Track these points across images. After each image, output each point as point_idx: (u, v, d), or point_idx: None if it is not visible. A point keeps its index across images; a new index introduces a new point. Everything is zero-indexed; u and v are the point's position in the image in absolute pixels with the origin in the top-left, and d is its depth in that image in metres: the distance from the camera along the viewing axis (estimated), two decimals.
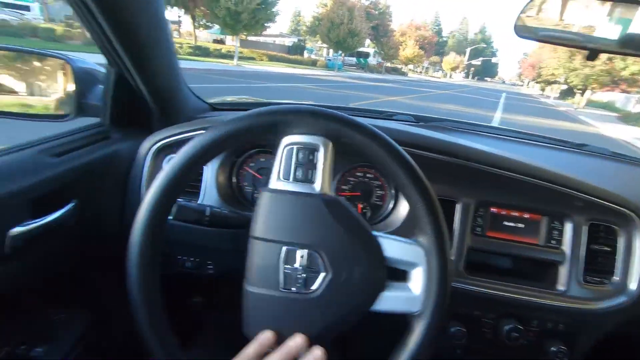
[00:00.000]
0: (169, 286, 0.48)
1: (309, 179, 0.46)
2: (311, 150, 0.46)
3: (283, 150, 0.47)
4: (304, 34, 43.00)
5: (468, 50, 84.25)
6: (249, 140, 0.51)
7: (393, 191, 0.76)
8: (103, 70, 0.70)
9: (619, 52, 0.60)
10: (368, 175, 0.78)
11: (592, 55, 0.58)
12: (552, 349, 0.69)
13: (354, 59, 40.28)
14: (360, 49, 37.37)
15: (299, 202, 0.45)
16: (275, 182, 0.47)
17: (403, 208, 0.73)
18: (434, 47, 56.85)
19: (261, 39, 35.03)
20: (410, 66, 68.27)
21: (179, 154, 0.43)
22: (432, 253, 0.43)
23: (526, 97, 29.81)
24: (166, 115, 0.77)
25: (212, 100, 0.97)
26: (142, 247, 0.43)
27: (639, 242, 0.69)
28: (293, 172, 0.46)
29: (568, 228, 0.71)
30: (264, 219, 0.45)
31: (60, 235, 0.60)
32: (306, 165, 0.47)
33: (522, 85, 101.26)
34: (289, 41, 40.85)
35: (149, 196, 0.43)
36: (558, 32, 0.61)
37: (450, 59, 72.48)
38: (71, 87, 0.67)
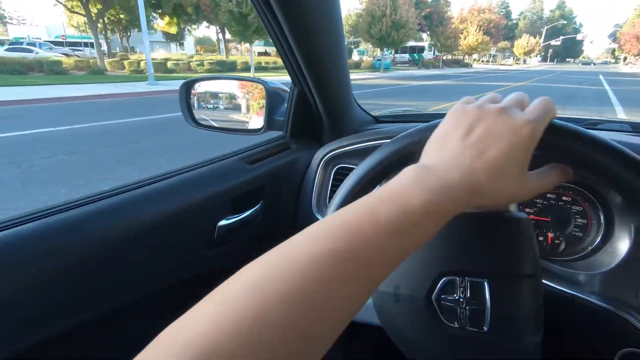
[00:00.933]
0: None
1: None
2: None
3: None
4: (349, 35, 39.40)
5: (544, 29, 75.55)
6: None
7: (603, 220, 0.59)
8: (287, 90, 0.85)
9: None
10: (564, 198, 0.63)
11: None
12: None
13: (406, 56, 36.94)
14: (413, 44, 34.45)
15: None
16: None
17: (619, 246, 0.56)
18: (502, 31, 50.21)
19: None
20: (475, 56, 62.00)
21: (372, 158, 0.43)
22: None
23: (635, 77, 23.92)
24: (335, 127, 0.87)
25: (376, 114, 1.04)
26: None
27: None
28: None
29: None
30: None
31: (249, 229, 0.74)
32: None
33: (616, 63, 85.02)
34: None
35: (338, 197, 0.44)
36: None
37: (523, 42, 65.24)
38: (264, 105, 0.83)
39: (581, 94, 11.45)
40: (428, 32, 36.69)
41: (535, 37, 67.33)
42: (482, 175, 0.28)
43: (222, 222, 0.68)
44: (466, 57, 43.68)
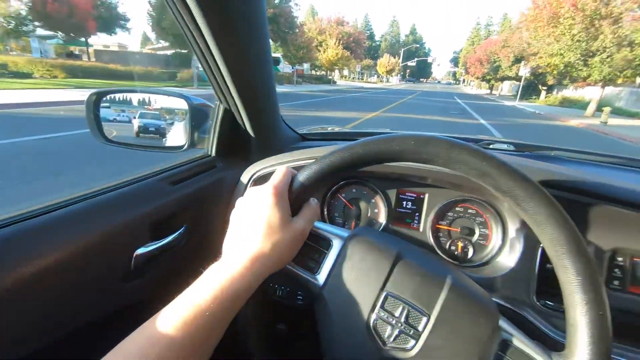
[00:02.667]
0: (260, 311, 0.58)
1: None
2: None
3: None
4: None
5: (402, 51, 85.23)
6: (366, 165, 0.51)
7: (500, 230, 0.72)
8: (212, 106, 0.85)
9: None
10: (470, 211, 0.76)
11: None
12: None
13: None
14: None
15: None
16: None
17: (513, 251, 0.68)
18: (363, 47, 53.20)
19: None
20: (345, 72, 67.35)
21: (305, 173, 0.47)
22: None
23: (486, 100, 28.24)
24: (263, 145, 0.90)
25: (301, 131, 1.08)
26: None
27: None
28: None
29: None
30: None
31: (172, 255, 0.71)
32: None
33: (457, 84, 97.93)
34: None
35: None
36: None
37: (385, 61, 73.92)
38: (187, 122, 0.82)
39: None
40: (279, 42, 30.18)
41: (395, 58, 77.74)
42: (261, 243, 0.42)
43: (140, 250, 0.63)
44: (329, 72, 40.07)
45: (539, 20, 17.93)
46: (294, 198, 0.46)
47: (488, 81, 44.53)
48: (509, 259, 0.68)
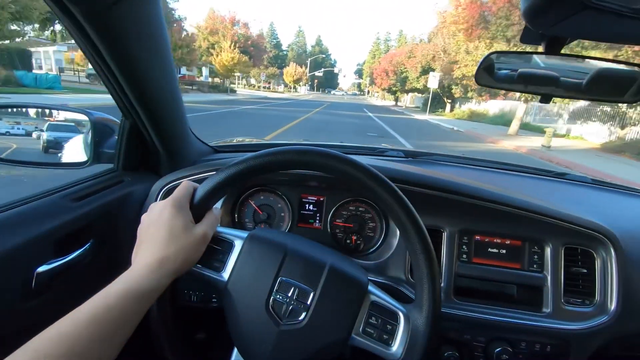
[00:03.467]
0: (177, 321, 0.61)
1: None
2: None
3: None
4: None
5: (308, 61, 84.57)
6: (260, 175, 0.58)
7: (383, 223, 0.90)
8: (117, 121, 0.86)
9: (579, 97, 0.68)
10: (360, 209, 0.91)
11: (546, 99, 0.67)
12: None
13: None
14: None
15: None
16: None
17: (393, 241, 0.86)
18: (265, 52, 50.19)
19: None
20: (252, 81, 64.13)
21: (204, 185, 0.54)
22: (422, 314, 0.52)
23: (397, 114, 26.76)
24: (173, 159, 0.91)
25: (213, 144, 1.10)
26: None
27: (614, 264, 0.79)
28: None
29: (547, 252, 0.82)
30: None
31: (79, 272, 0.72)
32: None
33: (362, 95, 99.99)
34: None
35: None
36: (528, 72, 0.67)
37: (292, 70, 71.27)
38: (89, 137, 0.82)
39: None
40: None
41: (302, 67, 75.26)
42: (165, 248, 0.48)
43: (42, 268, 0.63)
44: (227, 80, 34.68)
45: (461, 22, 14.96)
46: (196, 207, 0.53)
47: (394, 93, 43.43)
48: (389, 247, 0.85)
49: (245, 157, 0.54)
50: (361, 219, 0.90)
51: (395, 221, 0.53)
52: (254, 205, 0.93)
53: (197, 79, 34.95)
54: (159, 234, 0.48)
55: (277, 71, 77.07)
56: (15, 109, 0.78)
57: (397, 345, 0.51)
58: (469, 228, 0.82)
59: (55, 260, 0.65)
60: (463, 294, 0.81)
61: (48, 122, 0.80)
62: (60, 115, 0.84)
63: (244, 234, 0.57)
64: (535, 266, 0.81)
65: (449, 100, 27.60)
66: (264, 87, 71.09)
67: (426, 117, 23.14)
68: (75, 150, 0.84)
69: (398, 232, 0.84)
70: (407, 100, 45.37)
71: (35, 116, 0.79)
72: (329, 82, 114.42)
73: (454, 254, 0.81)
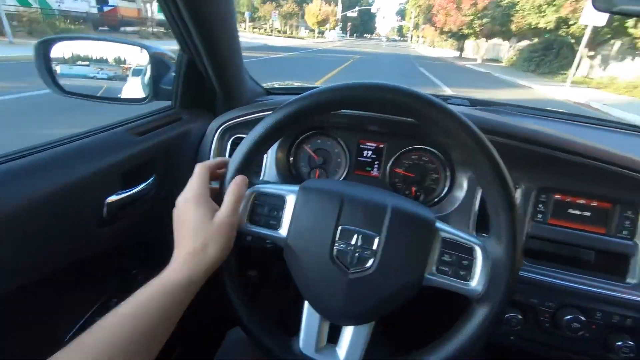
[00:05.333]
0: (233, 259, 0.64)
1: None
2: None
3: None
4: None
5: None
6: (327, 112, 0.57)
7: (449, 174, 0.85)
8: (172, 56, 0.86)
9: None
10: (424, 158, 0.87)
11: None
12: (618, 343, 0.72)
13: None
14: None
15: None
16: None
17: (458, 193, 0.82)
18: None
19: None
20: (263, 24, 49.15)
21: (259, 127, 0.54)
22: (501, 244, 0.49)
23: (485, 78, 14.56)
24: (229, 98, 0.92)
25: (267, 85, 1.09)
26: None
27: None
28: None
29: None
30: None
31: (144, 205, 0.76)
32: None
33: (404, 41, 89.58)
34: None
35: (233, 164, 0.55)
36: None
37: (314, 8, 53.77)
38: (149, 73, 0.83)
39: None
40: None
41: (330, 5, 59.07)
42: (191, 244, 0.49)
43: (112, 198, 0.66)
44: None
45: None
46: (218, 193, 0.55)
47: (462, 37, 27.27)
48: (453, 200, 0.81)
49: (304, 94, 0.52)
50: (423, 169, 0.86)
51: (476, 170, 0.50)
52: (309, 150, 0.92)
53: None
54: (183, 230, 0.51)
55: (298, 9, 58.92)
56: (84, 43, 0.81)
57: (476, 280, 0.49)
58: (549, 185, 0.76)
59: (123, 192, 0.69)
60: (534, 256, 0.77)
61: (132, 68, 0.84)
62: (118, 51, 0.84)
63: (295, 187, 0.56)
64: (625, 232, 0.74)
65: (591, 53, 14.60)
66: (278, 32, 52.90)
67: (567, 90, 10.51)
68: (133, 87, 0.86)
69: (465, 185, 0.80)
70: (481, 49, 26.54)
71: (114, 63, 0.83)
72: (364, 25, 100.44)
73: (528, 213, 0.76)
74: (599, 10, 0.59)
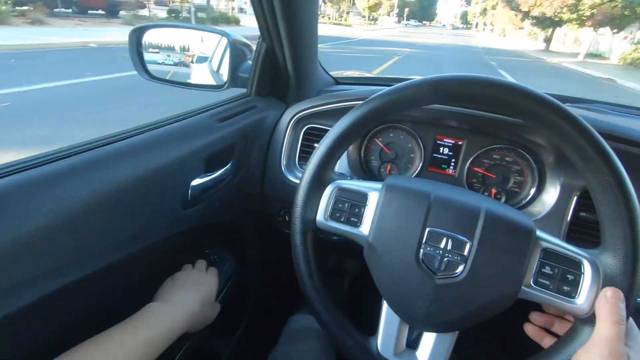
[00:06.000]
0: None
1: None
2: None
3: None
4: None
5: None
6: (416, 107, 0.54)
7: (536, 177, 0.78)
8: (250, 44, 0.88)
9: None
10: (507, 158, 0.80)
11: None
12: None
13: None
14: None
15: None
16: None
17: (548, 198, 0.75)
18: None
19: None
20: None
21: (344, 121, 0.53)
22: (617, 258, 0.44)
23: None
24: (301, 86, 0.94)
25: (335, 74, 1.10)
26: (304, 212, 0.55)
27: None
28: None
29: None
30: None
31: (221, 189, 0.79)
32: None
33: (467, 28, 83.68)
34: None
35: (317, 155, 0.54)
36: None
37: None
38: (228, 60, 0.85)
39: None
40: None
41: None
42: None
43: (196, 181, 0.70)
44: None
45: None
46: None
47: (553, 25, 20.87)
48: (540, 206, 0.74)
49: (396, 86, 0.50)
50: (506, 169, 0.80)
51: (592, 176, 0.44)
52: (380, 144, 0.89)
53: None
54: (175, 300, 0.59)
55: None
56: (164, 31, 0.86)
57: (583, 298, 0.44)
58: None
59: (206, 175, 0.73)
60: None
61: (197, 55, 0.89)
62: (199, 38, 0.88)
63: (378, 185, 0.54)
64: None
65: None
66: (329, 18, 47.48)
67: None
68: (199, 73, 0.89)
69: (557, 191, 0.73)
70: (584, 42, 20.05)
71: (179, 50, 0.89)
72: (424, 11, 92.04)
73: None
74: None
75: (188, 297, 0.61)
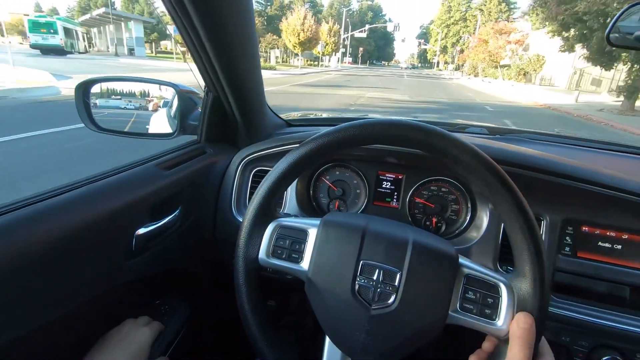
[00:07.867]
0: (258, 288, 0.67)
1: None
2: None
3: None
4: None
5: (344, 12, 58.53)
6: (346, 149, 0.57)
7: (469, 205, 0.86)
8: (198, 93, 0.93)
9: None
10: (443, 189, 0.88)
11: None
12: None
13: None
14: None
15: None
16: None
17: (480, 224, 0.82)
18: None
19: None
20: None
21: (282, 162, 0.56)
22: (526, 280, 0.48)
23: None
24: (250, 131, 0.97)
25: (286, 117, 1.15)
26: (246, 251, 0.56)
27: None
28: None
29: None
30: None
31: (170, 235, 0.80)
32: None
33: (427, 67, 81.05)
34: None
35: (258, 195, 0.57)
36: None
37: (295, 21, 32.78)
38: (176, 109, 0.89)
39: None
40: None
41: (334, 25, 43.76)
42: None
43: (141, 231, 0.71)
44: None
45: None
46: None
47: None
48: (476, 232, 0.81)
49: (326, 131, 0.54)
50: (443, 199, 0.87)
51: (496, 203, 0.49)
52: (327, 182, 0.94)
53: None
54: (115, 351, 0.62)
55: (275, 37, 47.41)
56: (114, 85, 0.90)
57: (502, 319, 0.48)
58: (575, 217, 0.74)
59: (152, 224, 0.73)
60: (563, 291, 0.74)
61: (163, 100, 0.93)
62: (153, 90, 0.93)
63: (317, 221, 0.56)
64: None
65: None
66: (277, 63, 43.39)
67: None
68: (160, 122, 0.92)
69: (487, 217, 0.80)
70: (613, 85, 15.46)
71: (139, 95, 0.92)
72: (380, 50, 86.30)
73: (555, 245, 0.74)
74: (614, 46, 0.60)
75: (115, 357, 0.61)
